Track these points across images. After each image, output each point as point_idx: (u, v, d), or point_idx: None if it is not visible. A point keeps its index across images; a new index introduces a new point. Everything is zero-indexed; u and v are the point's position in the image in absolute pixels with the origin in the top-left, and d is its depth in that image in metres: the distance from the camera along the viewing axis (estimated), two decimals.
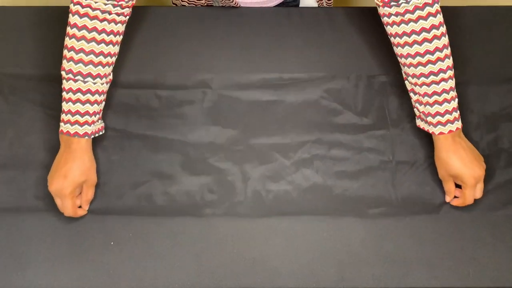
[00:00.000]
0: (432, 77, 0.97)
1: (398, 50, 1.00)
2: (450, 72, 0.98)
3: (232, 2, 1.20)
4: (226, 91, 1.16)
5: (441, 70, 0.97)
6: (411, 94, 1.03)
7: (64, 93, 1.00)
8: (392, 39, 1.00)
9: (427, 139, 1.10)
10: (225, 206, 1.05)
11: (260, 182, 1.07)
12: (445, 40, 0.97)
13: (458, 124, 0.99)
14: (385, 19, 0.99)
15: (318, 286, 0.98)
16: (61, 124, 1.00)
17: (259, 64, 1.18)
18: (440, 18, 0.96)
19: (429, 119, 1.00)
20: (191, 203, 1.05)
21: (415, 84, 1.00)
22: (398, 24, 0.97)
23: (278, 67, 1.18)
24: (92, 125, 1.01)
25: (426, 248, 1.01)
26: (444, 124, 0.99)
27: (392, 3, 0.96)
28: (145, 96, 1.15)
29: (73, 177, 0.98)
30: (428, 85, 0.98)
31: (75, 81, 0.98)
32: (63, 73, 0.99)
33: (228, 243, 1.01)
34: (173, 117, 1.13)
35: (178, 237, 1.02)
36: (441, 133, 0.99)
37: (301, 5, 1.32)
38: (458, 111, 1.00)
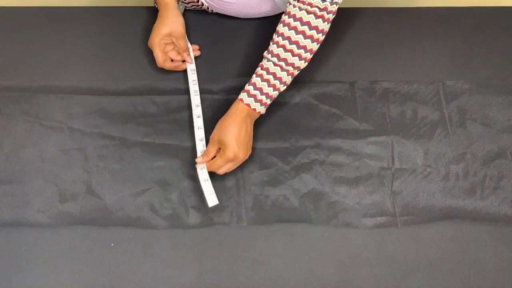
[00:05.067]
0: (282, 63, 1.05)
1: (278, 27, 1.07)
2: (297, 72, 1.09)
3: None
4: (224, 95, 1.20)
5: (292, 65, 1.05)
6: (259, 69, 1.08)
7: None
8: (284, 17, 1.06)
9: (427, 147, 1.15)
10: (225, 210, 1.08)
11: (259, 187, 1.10)
12: (315, 46, 1.06)
13: (261, 108, 1.08)
14: (290, 0, 1.07)
15: (318, 287, 1.00)
16: None
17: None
18: (325, 27, 1.05)
19: (250, 87, 1.07)
20: (192, 208, 1.08)
21: (268, 60, 1.07)
22: (295, 7, 1.04)
23: None
24: None
25: (427, 250, 1.04)
26: (250, 96, 1.07)
27: None
28: (142, 102, 1.19)
29: (158, 30, 1.20)
30: (275, 64, 1.05)
31: None
32: None
33: (228, 244, 1.04)
34: (171, 122, 1.17)
35: (178, 239, 1.04)
36: (242, 100, 1.07)
37: None
38: (269, 102, 1.08)
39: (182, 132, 1.16)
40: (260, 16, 1.29)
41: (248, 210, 1.08)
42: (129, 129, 1.16)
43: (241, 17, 1.30)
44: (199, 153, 1.10)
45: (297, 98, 1.20)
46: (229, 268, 1.02)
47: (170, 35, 1.20)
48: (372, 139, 1.16)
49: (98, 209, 1.07)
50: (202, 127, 1.14)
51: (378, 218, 1.08)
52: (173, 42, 1.22)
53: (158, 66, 1.21)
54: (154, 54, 1.20)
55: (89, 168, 1.11)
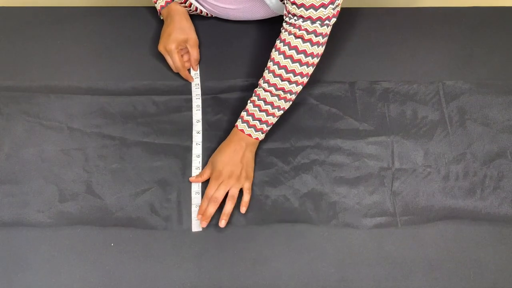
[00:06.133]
0: (271, 88, 1.06)
1: (271, 52, 1.07)
2: (291, 96, 1.09)
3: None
4: (224, 95, 1.21)
5: (281, 89, 1.06)
6: (253, 95, 1.10)
7: None
8: (277, 41, 1.07)
9: (427, 147, 1.15)
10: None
11: (259, 187, 1.10)
12: (305, 69, 1.05)
13: (256, 134, 1.09)
14: (283, 24, 1.07)
15: (318, 287, 1.00)
16: (156, 4, 1.24)
17: (258, 69, 1.21)
18: (315, 50, 1.04)
19: (243, 113, 1.09)
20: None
21: (260, 86, 1.08)
22: (286, 31, 1.04)
23: None
24: None
25: (427, 250, 1.04)
26: (243, 122, 1.09)
27: (290, 15, 1.03)
28: (142, 102, 1.19)
29: (175, 35, 1.19)
30: (266, 90, 1.07)
31: None
32: None
33: (228, 244, 1.04)
34: (171, 122, 1.17)
35: (178, 239, 1.04)
36: (237, 126, 1.09)
37: None
38: (266, 127, 1.09)
39: (182, 132, 1.16)
40: (256, 19, 1.29)
41: (249, 209, 1.08)
42: (129, 129, 1.16)
43: (239, 20, 1.30)
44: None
45: (297, 98, 1.18)
46: (229, 268, 1.02)
47: (186, 41, 1.20)
48: (372, 139, 1.16)
49: (98, 209, 1.07)
50: (200, 151, 1.15)
51: (378, 218, 1.08)
52: (185, 49, 1.22)
53: (175, 70, 1.21)
54: (170, 59, 1.20)
55: (89, 168, 1.11)
